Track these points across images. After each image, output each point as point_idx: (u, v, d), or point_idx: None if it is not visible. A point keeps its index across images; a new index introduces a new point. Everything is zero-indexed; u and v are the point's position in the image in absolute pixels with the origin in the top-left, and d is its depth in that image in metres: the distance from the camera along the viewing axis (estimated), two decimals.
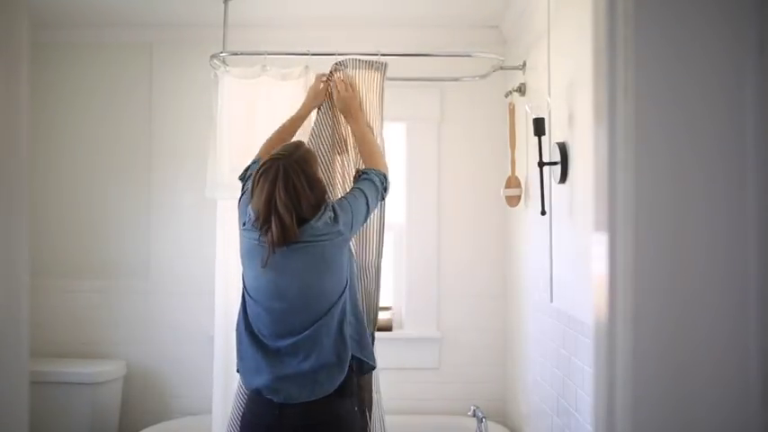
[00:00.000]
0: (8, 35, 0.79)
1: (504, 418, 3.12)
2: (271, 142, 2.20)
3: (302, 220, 1.86)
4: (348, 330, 1.93)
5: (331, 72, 2.31)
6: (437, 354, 3.21)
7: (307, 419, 1.87)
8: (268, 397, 1.88)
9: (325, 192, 1.94)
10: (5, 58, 0.79)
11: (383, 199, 2.13)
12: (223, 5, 2.62)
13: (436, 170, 3.23)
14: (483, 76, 2.86)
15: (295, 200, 1.84)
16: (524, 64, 2.78)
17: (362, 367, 2.02)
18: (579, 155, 2.08)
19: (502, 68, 2.81)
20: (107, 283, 3.22)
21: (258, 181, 1.87)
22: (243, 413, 2.01)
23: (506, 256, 3.18)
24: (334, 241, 1.90)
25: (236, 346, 1.98)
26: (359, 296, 2.09)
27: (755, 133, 0.70)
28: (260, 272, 1.89)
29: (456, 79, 2.93)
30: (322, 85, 2.29)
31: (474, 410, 2.89)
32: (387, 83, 2.41)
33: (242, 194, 2.07)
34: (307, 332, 1.87)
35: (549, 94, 2.36)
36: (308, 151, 1.98)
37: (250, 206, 1.92)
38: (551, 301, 2.36)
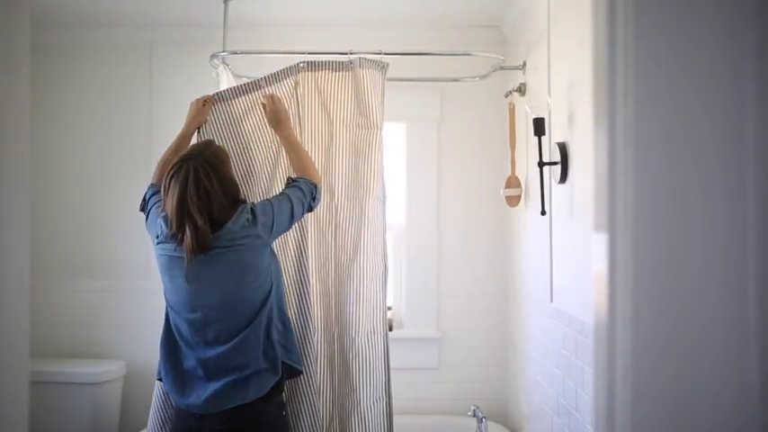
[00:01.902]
0: (9, 35, 0.79)
1: (504, 418, 3.12)
2: (163, 164, 2.11)
3: (217, 224, 1.81)
4: (275, 335, 1.91)
5: (215, 95, 2.26)
6: (437, 354, 3.21)
7: (226, 424, 1.84)
8: (186, 407, 1.86)
9: (238, 191, 1.90)
10: (6, 59, 0.79)
11: (311, 209, 2.09)
12: (223, 5, 2.62)
13: (436, 170, 3.23)
14: (483, 77, 2.86)
15: (206, 201, 1.78)
16: (524, 64, 2.78)
17: (292, 372, 2.01)
18: (579, 155, 2.08)
19: (502, 68, 2.82)
20: (107, 283, 3.22)
21: (168, 185, 1.81)
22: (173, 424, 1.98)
23: (506, 256, 3.18)
24: (252, 245, 1.84)
25: (161, 359, 1.93)
26: (285, 300, 2.06)
27: (755, 135, 0.70)
28: (180, 284, 1.83)
29: (456, 79, 2.93)
30: (204, 105, 2.22)
31: (474, 410, 2.89)
32: (387, 83, 2.41)
33: (147, 218, 2.02)
34: (234, 341, 1.83)
35: (549, 94, 2.36)
36: (219, 149, 1.93)
37: (160, 217, 1.88)
38: (551, 300, 2.36)
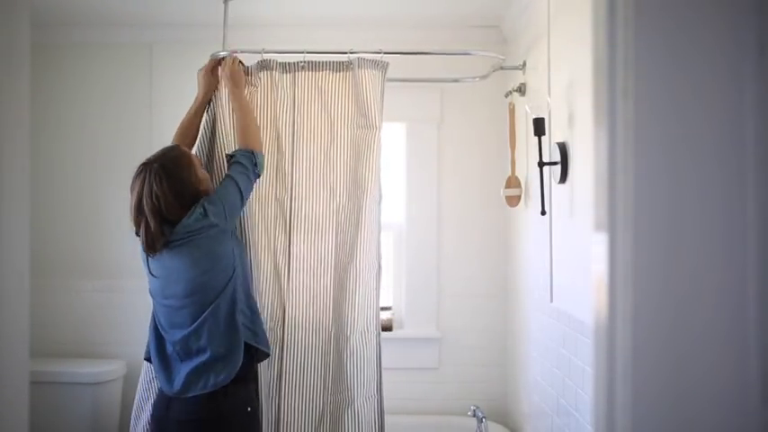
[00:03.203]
0: (9, 35, 0.79)
1: (504, 418, 3.12)
2: (179, 136, 2.32)
3: (173, 222, 1.96)
4: (240, 318, 2.01)
5: (221, 59, 2.35)
6: (437, 354, 3.21)
7: (191, 414, 1.96)
8: (164, 391, 2.00)
9: (197, 192, 2.01)
10: (6, 59, 0.79)
11: (258, 176, 2.16)
12: (223, 5, 2.62)
13: (436, 170, 3.23)
14: (483, 77, 2.86)
15: (157, 205, 1.94)
16: (524, 64, 2.78)
17: (258, 355, 2.09)
18: (579, 155, 2.08)
19: (502, 68, 2.82)
20: (107, 283, 3.22)
21: (131, 187, 2.01)
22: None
23: (506, 256, 3.18)
24: (209, 233, 1.97)
25: (149, 343, 2.10)
26: (252, 287, 2.17)
27: (755, 134, 0.70)
28: (153, 275, 2.02)
29: (456, 80, 2.93)
30: (213, 72, 2.34)
31: (474, 410, 2.89)
32: (387, 83, 2.41)
33: None
34: (195, 325, 1.96)
35: (549, 94, 2.36)
36: (179, 155, 2.05)
37: None
38: (551, 301, 2.36)
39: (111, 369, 3.03)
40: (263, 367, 2.28)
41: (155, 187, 1.94)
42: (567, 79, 2.18)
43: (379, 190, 2.38)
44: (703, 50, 0.71)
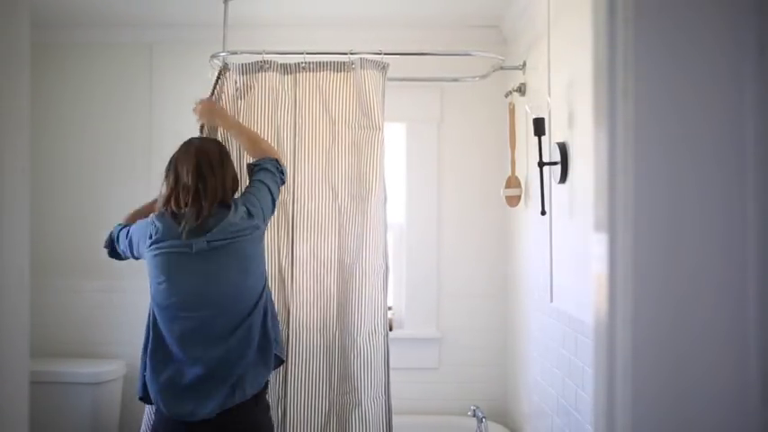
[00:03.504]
0: (9, 35, 0.79)
1: (504, 418, 3.12)
2: (135, 214, 2.14)
3: (216, 216, 1.83)
4: (271, 328, 1.92)
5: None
6: (437, 354, 3.21)
7: (221, 429, 1.80)
8: (188, 419, 1.78)
9: (230, 188, 1.94)
10: (6, 59, 0.79)
11: (283, 183, 2.14)
12: (223, 5, 2.62)
13: (436, 170, 3.23)
14: (483, 77, 2.86)
15: (219, 183, 1.84)
16: (524, 64, 2.78)
17: (277, 363, 2.04)
18: (579, 155, 2.08)
19: (502, 68, 2.82)
20: (108, 283, 3.22)
21: (177, 160, 1.88)
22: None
23: (506, 256, 3.18)
24: (253, 236, 1.89)
25: (149, 373, 1.84)
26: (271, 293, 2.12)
27: (755, 135, 0.70)
28: (183, 281, 1.81)
29: (456, 79, 2.93)
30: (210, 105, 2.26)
31: (474, 410, 2.89)
32: (387, 83, 2.41)
33: (123, 239, 1.99)
34: (238, 332, 1.82)
35: (549, 94, 2.36)
36: (224, 145, 2.03)
37: (153, 216, 1.89)
38: (551, 300, 2.36)
39: (111, 369, 3.03)
40: None
41: (215, 165, 1.84)
42: (567, 79, 2.18)
43: (384, 190, 2.38)
44: (703, 50, 0.71)
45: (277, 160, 2.12)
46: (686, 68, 0.71)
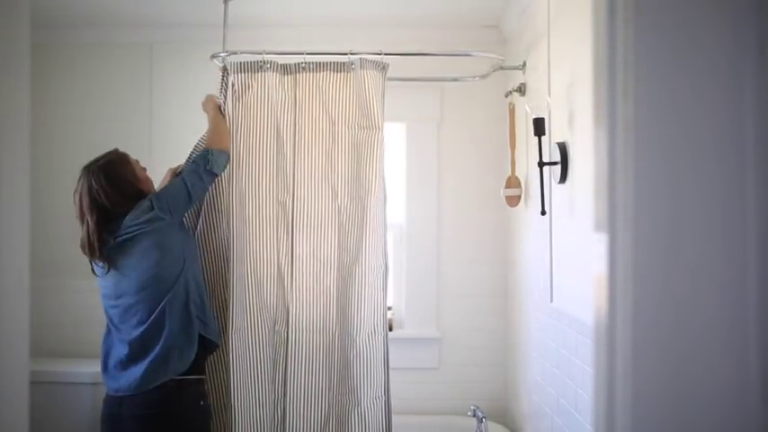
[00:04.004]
0: (9, 35, 0.79)
1: (504, 418, 3.12)
2: None
3: (118, 217, 2.06)
4: (193, 309, 2.08)
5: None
6: (437, 354, 3.21)
7: (146, 409, 2.02)
8: (117, 390, 2.05)
9: (138, 190, 2.12)
10: (6, 58, 0.79)
11: (213, 174, 2.21)
12: (223, 5, 2.62)
13: (436, 170, 3.23)
14: (483, 76, 2.86)
15: (98, 199, 2.05)
16: (524, 64, 2.78)
17: (209, 346, 2.16)
18: (579, 155, 2.08)
19: (502, 68, 2.81)
20: None
21: (74, 192, 2.11)
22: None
23: (506, 256, 3.18)
24: (156, 226, 2.05)
25: (102, 354, 2.15)
26: (200, 278, 2.20)
27: (755, 133, 0.70)
28: (103, 276, 2.11)
29: (456, 79, 2.93)
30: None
31: (474, 410, 2.89)
32: (387, 83, 2.41)
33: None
34: (152, 318, 2.02)
35: (549, 94, 2.36)
36: (116, 155, 2.16)
37: None
38: (551, 301, 2.36)
39: None
40: (267, 367, 2.29)
41: (94, 184, 2.06)
42: (567, 79, 2.18)
43: (384, 190, 2.38)
44: (703, 50, 0.71)
45: (209, 150, 2.21)
46: (686, 68, 0.71)
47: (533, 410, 2.67)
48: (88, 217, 2.05)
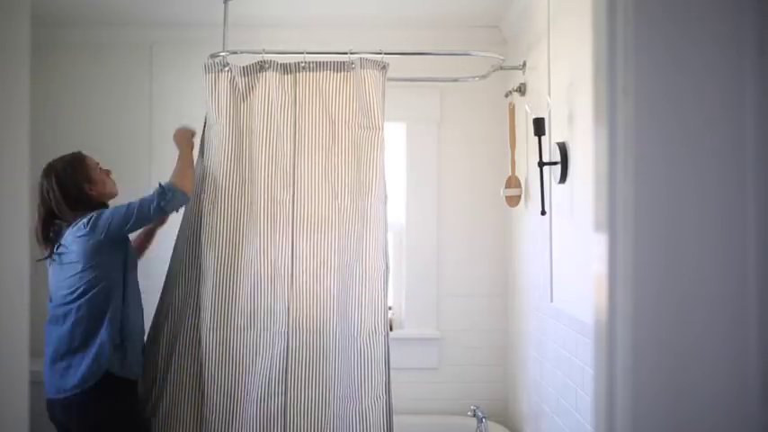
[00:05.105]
0: (9, 35, 0.79)
1: (504, 418, 3.12)
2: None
3: (60, 224, 2.19)
4: (104, 334, 2.13)
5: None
6: (437, 354, 3.21)
7: (62, 414, 2.15)
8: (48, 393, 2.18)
9: (85, 194, 2.21)
10: (6, 58, 0.79)
11: (163, 211, 2.23)
12: (223, 5, 2.62)
13: (436, 170, 3.23)
14: (483, 77, 2.86)
15: (47, 200, 2.18)
16: (524, 64, 2.78)
17: (126, 384, 2.20)
18: (579, 155, 2.08)
19: (502, 68, 2.82)
20: None
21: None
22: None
23: (506, 256, 3.18)
24: (79, 244, 2.13)
25: None
26: (129, 302, 2.23)
27: (755, 134, 0.70)
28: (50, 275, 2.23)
29: (456, 79, 2.93)
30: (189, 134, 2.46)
31: (474, 410, 2.89)
32: (387, 83, 2.41)
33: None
34: (63, 326, 2.14)
35: (549, 94, 2.36)
36: (72, 157, 2.26)
37: None
38: (551, 300, 2.36)
39: None
40: (267, 366, 2.29)
41: (45, 184, 2.19)
42: (567, 79, 2.18)
43: (384, 190, 2.38)
44: (703, 50, 0.71)
45: (173, 190, 2.23)
46: (686, 68, 0.71)
47: (533, 410, 2.67)
48: (38, 214, 2.20)
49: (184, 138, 2.43)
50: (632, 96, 0.72)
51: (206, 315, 2.32)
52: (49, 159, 3.22)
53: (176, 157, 2.40)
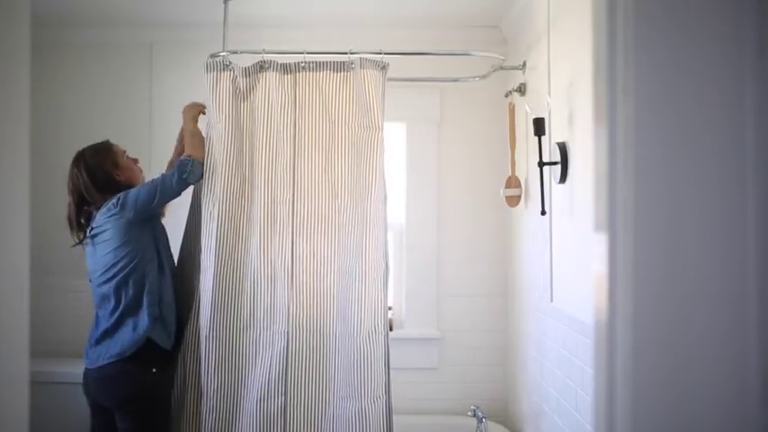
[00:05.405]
0: (9, 35, 0.79)
1: (504, 418, 3.12)
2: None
3: (91, 207, 2.33)
4: (132, 297, 2.25)
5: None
6: (437, 354, 3.21)
7: (99, 386, 2.27)
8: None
9: (113, 179, 2.34)
10: (6, 58, 0.79)
11: (186, 182, 2.34)
12: (223, 5, 2.62)
13: (436, 170, 3.23)
14: (483, 77, 2.86)
15: (76, 185, 2.34)
16: (524, 64, 2.78)
17: (165, 354, 2.30)
18: (579, 155, 2.08)
19: (502, 68, 2.81)
20: None
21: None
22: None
23: (506, 256, 3.18)
24: (111, 222, 2.26)
25: None
26: (163, 274, 2.34)
27: (755, 134, 0.70)
28: (87, 260, 2.37)
29: (456, 79, 2.93)
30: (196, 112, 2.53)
31: (474, 410, 2.89)
32: (387, 83, 2.41)
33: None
34: (105, 301, 2.29)
35: (549, 94, 2.36)
36: (100, 145, 2.41)
37: None
38: (551, 301, 2.36)
39: None
40: (266, 366, 2.29)
41: (74, 170, 2.35)
42: (567, 79, 2.18)
43: (384, 190, 2.38)
44: (703, 50, 0.71)
45: (191, 161, 2.33)
46: (686, 68, 0.71)
47: (533, 410, 2.67)
48: (70, 198, 2.36)
49: (189, 112, 2.52)
50: (632, 96, 0.72)
51: (206, 314, 2.32)
52: (49, 159, 3.25)
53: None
